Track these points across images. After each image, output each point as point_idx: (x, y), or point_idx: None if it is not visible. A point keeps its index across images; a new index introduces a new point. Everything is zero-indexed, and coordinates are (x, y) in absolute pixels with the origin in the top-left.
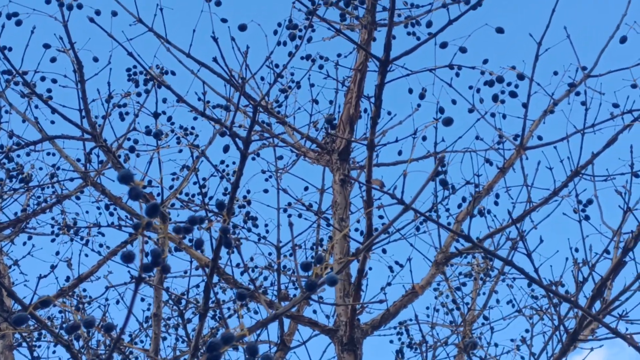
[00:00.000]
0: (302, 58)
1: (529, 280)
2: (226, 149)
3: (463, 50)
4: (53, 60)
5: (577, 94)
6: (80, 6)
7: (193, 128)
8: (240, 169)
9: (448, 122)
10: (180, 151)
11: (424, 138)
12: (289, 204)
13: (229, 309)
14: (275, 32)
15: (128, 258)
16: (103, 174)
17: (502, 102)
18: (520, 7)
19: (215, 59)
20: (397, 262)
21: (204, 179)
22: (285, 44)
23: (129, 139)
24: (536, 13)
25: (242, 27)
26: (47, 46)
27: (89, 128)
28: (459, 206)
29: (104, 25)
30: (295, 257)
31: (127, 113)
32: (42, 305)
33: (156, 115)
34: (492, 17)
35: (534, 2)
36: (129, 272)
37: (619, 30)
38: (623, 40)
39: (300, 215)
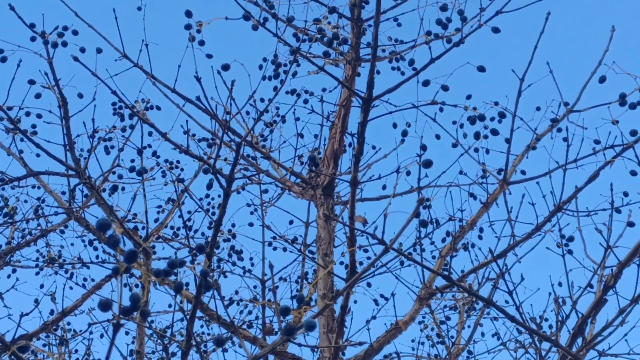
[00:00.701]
0: (287, 92)
1: (510, 320)
2: (210, 185)
3: (445, 88)
4: (38, 96)
5: (559, 130)
6: (65, 44)
7: (178, 162)
8: (223, 206)
9: (427, 164)
10: (166, 184)
11: (408, 173)
12: (274, 238)
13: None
14: (261, 67)
15: (105, 307)
16: (87, 207)
17: (485, 137)
18: (503, 42)
19: (198, 98)
20: (382, 295)
21: (189, 212)
22: (270, 78)
23: (114, 173)
24: (519, 49)
25: (225, 67)
26: (32, 82)
27: (73, 164)
28: (443, 240)
29: (90, 60)
30: (275, 298)
31: (112, 147)
32: (20, 350)
33: (140, 152)
34: (475, 52)
35: (517, 38)
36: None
37: (601, 66)
38: (602, 80)
39: (285, 249)
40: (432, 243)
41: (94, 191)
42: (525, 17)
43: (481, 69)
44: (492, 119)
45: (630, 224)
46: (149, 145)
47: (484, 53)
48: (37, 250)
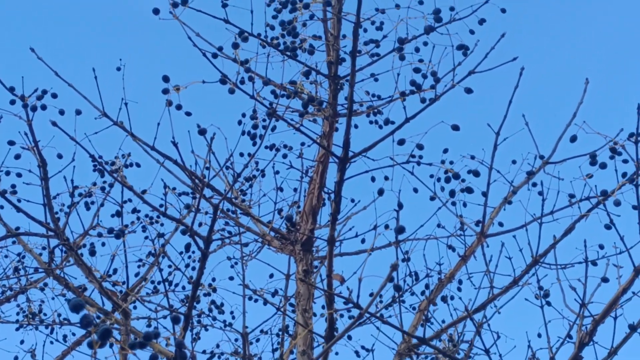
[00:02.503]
0: (266, 147)
1: None
2: (188, 247)
3: (420, 147)
4: (17, 157)
5: (534, 184)
6: (44, 107)
7: (159, 217)
8: (201, 268)
9: (400, 230)
10: (147, 237)
11: (386, 227)
12: (254, 292)
13: None
14: (240, 122)
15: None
16: (66, 267)
17: (462, 190)
18: (479, 95)
19: (176, 162)
20: (363, 347)
21: (169, 266)
22: (249, 133)
23: (94, 228)
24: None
25: (202, 132)
26: (11, 143)
27: (52, 224)
28: (423, 292)
29: (70, 119)
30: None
31: (92, 202)
32: None
33: (119, 213)
34: (452, 103)
35: (493, 92)
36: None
37: (576, 117)
38: (573, 139)
39: (265, 303)
40: (413, 294)
41: (72, 252)
42: (501, 72)
43: (455, 127)
44: (469, 172)
45: (605, 280)
46: (130, 200)
47: (460, 105)
48: (18, 305)
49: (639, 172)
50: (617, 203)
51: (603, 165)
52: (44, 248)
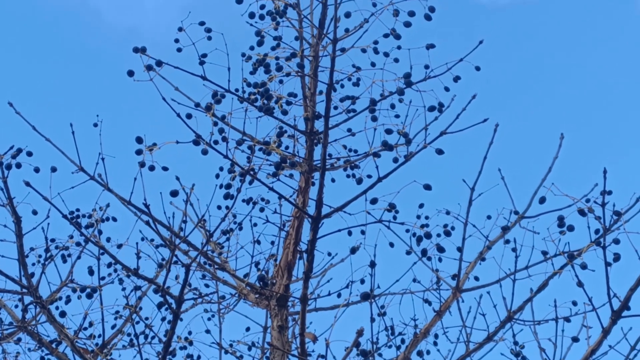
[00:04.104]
0: (243, 201)
1: None
2: (160, 306)
3: (392, 206)
4: None
5: (507, 241)
6: (18, 165)
7: (136, 269)
8: (172, 327)
9: (366, 297)
10: (123, 289)
11: (362, 281)
12: (231, 345)
13: None
14: (217, 176)
15: None
16: (39, 324)
17: (438, 247)
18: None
19: (148, 223)
20: None
21: (147, 318)
22: (226, 187)
23: (70, 282)
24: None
25: (174, 193)
26: None
27: (25, 281)
28: (399, 347)
29: (45, 176)
30: None
31: (69, 255)
32: None
33: (91, 271)
34: (427, 159)
35: (469, 147)
36: None
37: (551, 172)
38: (542, 200)
39: (241, 357)
40: (390, 347)
41: (44, 310)
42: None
43: (427, 187)
44: (445, 225)
45: (575, 340)
46: (107, 251)
47: (436, 159)
48: None
49: (606, 235)
50: (584, 266)
51: (571, 228)
52: (16, 306)
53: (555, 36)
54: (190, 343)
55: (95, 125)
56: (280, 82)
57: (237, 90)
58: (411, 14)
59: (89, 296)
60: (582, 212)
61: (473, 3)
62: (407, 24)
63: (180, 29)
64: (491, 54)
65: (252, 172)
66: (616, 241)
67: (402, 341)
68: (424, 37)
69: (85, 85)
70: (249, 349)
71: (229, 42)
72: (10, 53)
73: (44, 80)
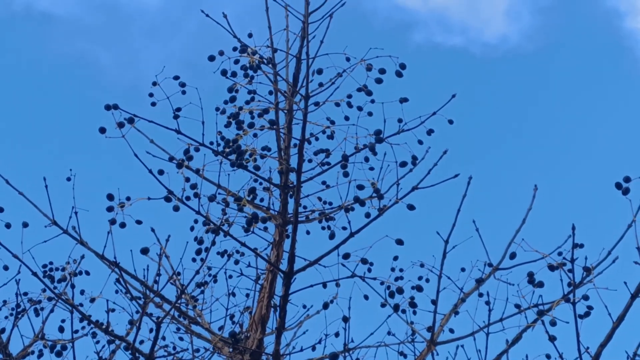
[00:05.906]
0: (218, 253)
1: None
2: None
3: (364, 261)
4: None
5: (480, 294)
6: None
7: (107, 326)
8: None
9: (334, 357)
10: (97, 342)
11: (337, 335)
12: None
13: None
14: (192, 229)
15: None
16: None
17: (410, 302)
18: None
19: (118, 280)
20: None
21: None
22: (200, 242)
23: (40, 339)
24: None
25: (144, 251)
26: None
27: None
28: None
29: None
30: None
31: (42, 308)
32: None
33: (61, 329)
34: (402, 211)
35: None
36: None
37: (525, 224)
38: (512, 256)
39: None
40: None
41: None
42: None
43: (399, 242)
44: (420, 278)
45: None
46: (81, 304)
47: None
48: None
49: (576, 290)
50: (553, 323)
51: (540, 284)
52: None
53: (537, 88)
54: None
55: (69, 179)
56: (255, 135)
57: (211, 143)
58: (382, 71)
59: (59, 354)
60: (551, 268)
61: (465, 53)
62: (379, 81)
63: (154, 84)
64: (467, 105)
65: (225, 227)
66: (585, 297)
67: None
68: (406, 87)
69: (60, 137)
70: None
71: (220, 91)
72: None
73: (11, 133)
